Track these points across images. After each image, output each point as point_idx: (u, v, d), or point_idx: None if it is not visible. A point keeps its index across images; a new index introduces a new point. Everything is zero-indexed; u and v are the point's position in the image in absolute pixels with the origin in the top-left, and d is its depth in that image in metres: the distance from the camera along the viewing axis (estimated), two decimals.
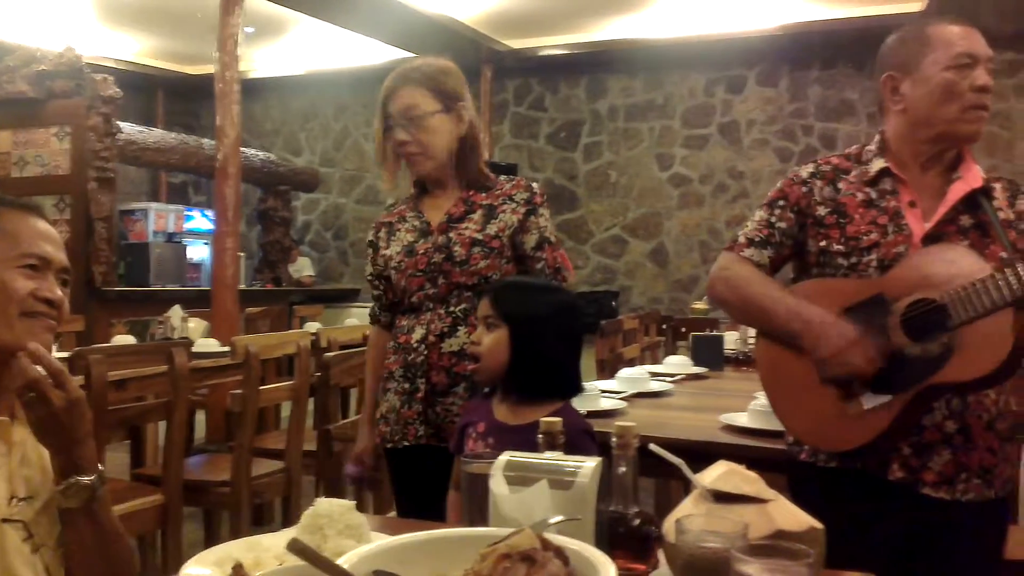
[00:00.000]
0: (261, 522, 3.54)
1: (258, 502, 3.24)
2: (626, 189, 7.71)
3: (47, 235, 1.26)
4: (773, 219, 1.69)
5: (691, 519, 0.94)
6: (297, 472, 3.07)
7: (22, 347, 1.18)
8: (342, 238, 8.74)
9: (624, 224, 7.72)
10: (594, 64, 7.60)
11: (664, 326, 5.01)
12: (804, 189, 1.67)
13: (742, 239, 1.71)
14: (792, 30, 6.69)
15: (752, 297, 1.65)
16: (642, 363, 3.76)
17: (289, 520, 3.14)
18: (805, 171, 1.71)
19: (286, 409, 3.53)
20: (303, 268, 8.10)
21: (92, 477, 1.19)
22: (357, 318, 6.40)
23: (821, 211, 1.64)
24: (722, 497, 1.03)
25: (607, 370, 3.53)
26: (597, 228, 7.77)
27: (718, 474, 1.03)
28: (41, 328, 1.22)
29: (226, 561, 1.11)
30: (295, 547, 0.78)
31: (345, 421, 2.76)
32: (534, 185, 1.97)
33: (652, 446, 1.12)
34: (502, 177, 1.98)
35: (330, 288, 8.28)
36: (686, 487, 3.54)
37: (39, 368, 1.13)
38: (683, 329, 4.56)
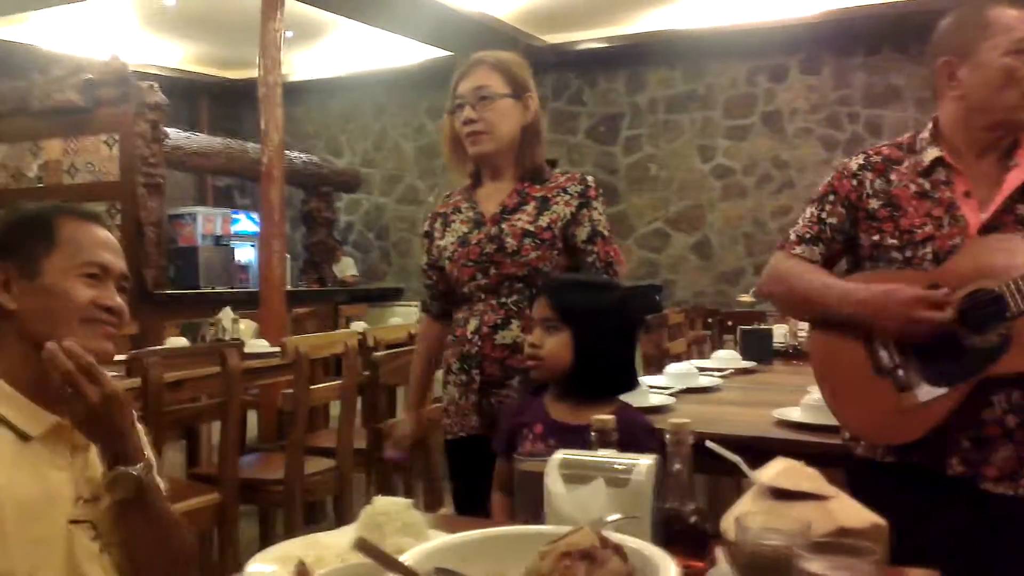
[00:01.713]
0: (313, 520, 3.59)
1: (310, 500, 3.28)
2: (667, 182, 7.66)
3: (107, 243, 1.29)
4: (823, 215, 1.66)
5: (751, 516, 0.94)
6: (348, 470, 3.10)
7: (88, 352, 1.21)
8: (384, 238, 8.81)
9: (666, 217, 7.67)
10: (633, 56, 7.55)
11: (710, 320, 4.96)
12: (854, 182, 1.65)
13: (793, 237, 1.69)
14: (834, 16, 6.56)
15: (802, 287, 1.63)
16: (688, 358, 3.73)
17: (341, 517, 3.18)
18: (854, 163, 1.68)
19: (334, 408, 3.57)
20: (347, 268, 8.19)
21: (138, 467, 1.21)
22: (401, 317, 6.45)
23: (873, 204, 1.61)
24: (781, 494, 1.02)
25: (653, 365, 3.51)
26: (639, 222, 7.73)
27: (777, 471, 1.03)
28: (101, 335, 1.25)
29: (288, 559, 1.13)
30: (362, 545, 0.79)
31: (397, 420, 2.78)
32: (589, 179, 1.98)
33: (709, 443, 1.11)
34: (556, 171, 2.00)
35: (373, 287, 8.36)
36: (738, 484, 3.49)
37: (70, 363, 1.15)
38: (729, 323, 4.52)
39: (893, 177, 1.62)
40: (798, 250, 1.66)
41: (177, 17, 6.85)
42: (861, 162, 1.67)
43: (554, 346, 1.53)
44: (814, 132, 7.18)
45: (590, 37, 7.41)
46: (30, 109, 5.78)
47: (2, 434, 1.18)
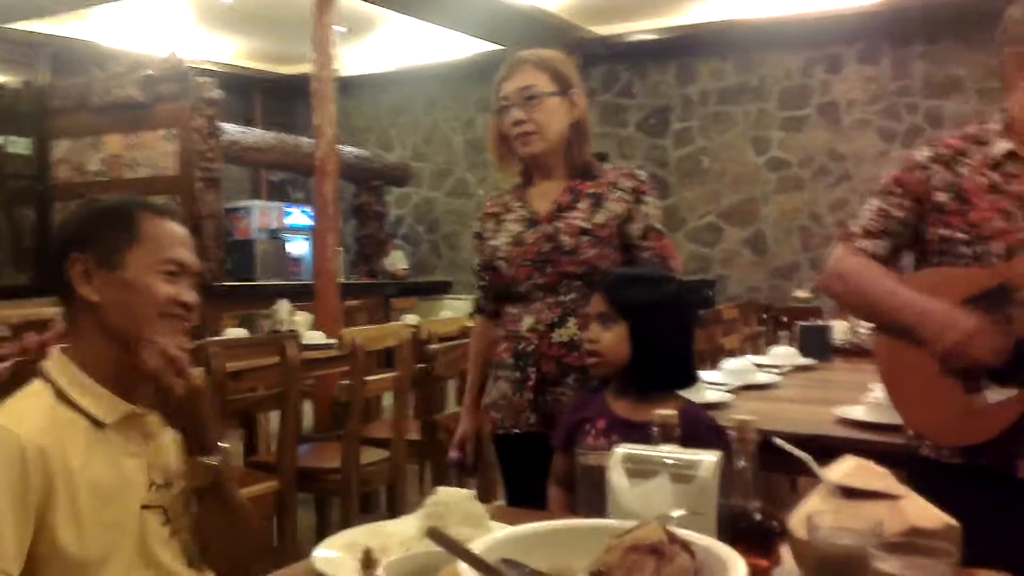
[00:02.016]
0: (367, 508, 3.64)
1: (365, 490, 3.33)
2: (719, 175, 7.56)
3: (183, 240, 1.32)
4: (888, 207, 1.63)
5: (822, 515, 0.93)
6: (402, 460, 3.14)
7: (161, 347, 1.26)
8: (434, 231, 8.86)
9: (718, 211, 7.57)
10: (683, 48, 7.46)
11: (764, 316, 4.89)
12: (921, 175, 1.61)
13: (857, 229, 1.65)
14: (892, 5, 6.40)
15: (865, 289, 1.60)
16: (742, 354, 3.68)
17: (395, 507, 3.22)
18: (921, 155, 1.64)
19: (386, 399, 3.61)
20: (397, 261, 8.26)
21: (217, 457, 1.26)
22: (451, 310, 6.48)
23: (941, 197, 1.58)
24: (851, 493, 1.01)
25: (707, 361, 3.48)
26: (690, 216, 7.64)
27: (847, 469, 1.01)
28: (178, 329, 1.29)
29: (354, 546, 1.16)
30: (434, 534, 0.81)
31: (450, 412, 2.81)
32: (641, 173, 1.96)
33: (777, 440, 1.10)
34: (608, 166, 1.99)
35: (423, 280, 8.42)
36: (793, 482, 3.44)
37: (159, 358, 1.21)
38: (784, 319, 4.45)
39: (962, 170, 1.58)
40: (862, 243, 1.63)
41: (232, 13, 6.96)
42: (929, 154, 1.63)
43: (611, 340, 1.53)
44: (872, 124, 7.01)
45: (640, 28, 7.34)
46: (91, 105, 5.94)
47: (78, 421, 1.23)
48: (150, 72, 5.71)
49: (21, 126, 6.28)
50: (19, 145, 6.32)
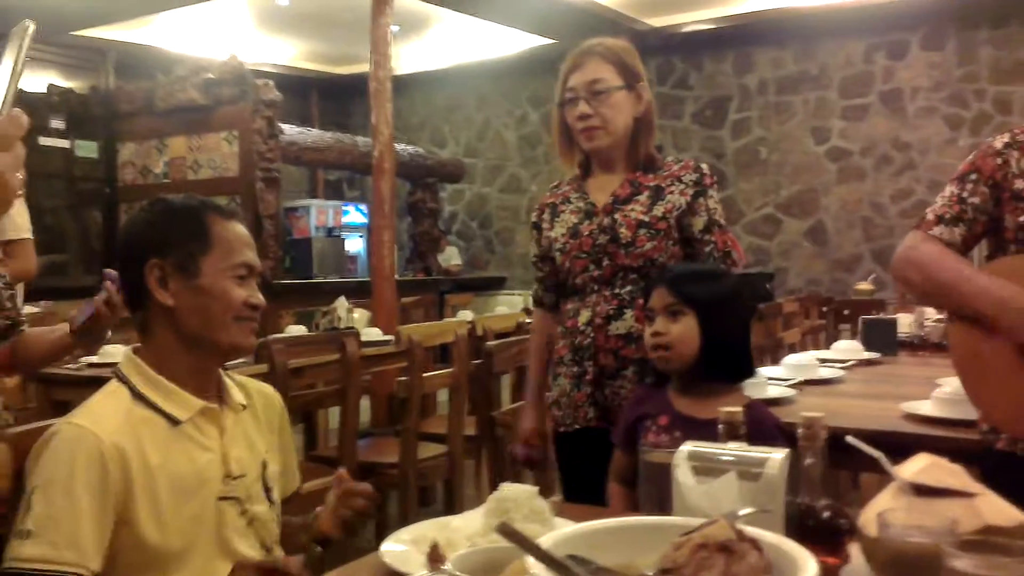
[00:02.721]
0: (424, 503, 3.67)
1: (422, 484, 3.36)
2: (778, 166, 7.43)
3: (249, 242, 1.35)
4: (964, 194, 1.58)
5: (893, 513, 0.91)
6: (459, 456, 3.16)
7: (236, 347, 1.32)
8: (487, 227, 8.90)
9: (777, 202, 7.44)
10: (741, 37, 7.34)
11: (824, 309, 4.79)
12: (999, 161, 1.56)
13: (931, 216, 1.61)
14: None
15: (939, 277, 1.56)
16: (803, 348, 3.62)
17: (452, 502, 3.24)
18: (999, 142, 1.59)
19: (441, 395, 3.63)
20: (451, 257, 8.32)
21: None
22: (506, 306, 6.50)
23: (1019, 184, 1.53)
24: (923, 491, 0.98)
25: (767, 356, 3.43)
26: (747, 207, 7.53)
27: (920, 467, 0.99)
28: (249, 330, 1.33)
29: (421, 540, 1.17)
30: (504, 530, 0.81)
31: (508, 408, 2.82)
32: (703, 167, 1.94)
33: (849, 438, 1.08)
34: (669, 159, 1.97)
35: (477, 276, 8.46)
36: (854, 478, 3.34)
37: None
38: (846, 312, 4.36)
39: None
40: (936, 231, 1.59)
41: (290, 16, 7.09)
42: (1007, 140, 1.58)
43: (681, 332, 1.51)
44: (938, 111, 6.82)
45: (696, 19, 7.25)
46: (155, 109, 6.10)
47: (155, 420, 1.27)
48: (211, 75, 5.84)
49: (89, 130, 6.50)
50: (87, 149, 6.53)
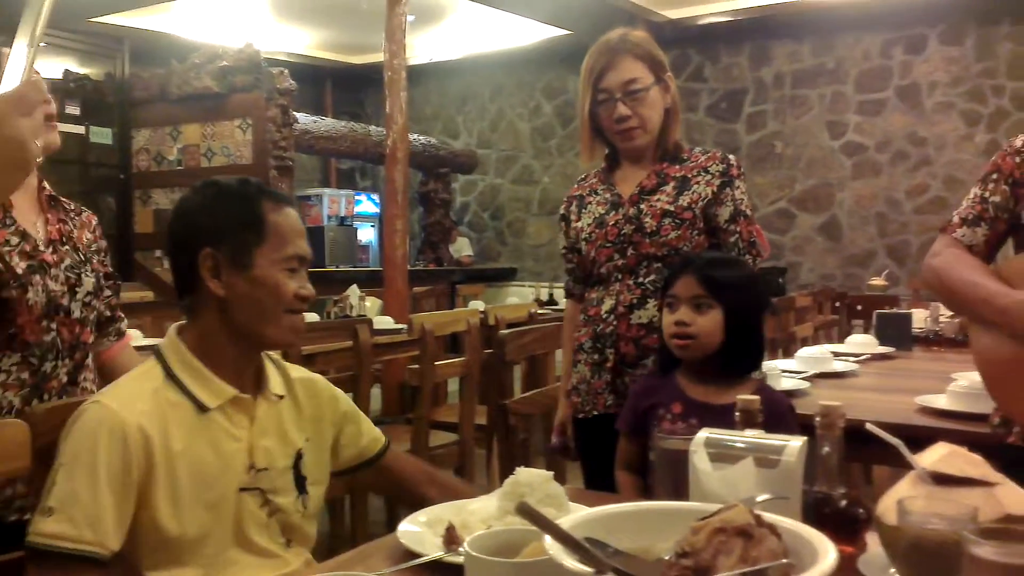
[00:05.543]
0: None
1: None
2: (793, 160, 7.39)
3: (301, 231, 1.33)
4: (986, 194, 1.60)
5: (913, 501, 0.90)
6: (470, 444, 3.17)
7: (281, 342, 1.32)
8: (499, 218, 8.89)
9: (791, 197, 7.41)
10: (757, 30, 7.30)
11: (837, 304, 4.78)
12: (1018, 159, 1.57)
13: (955, 219, 1.64)
14: None
15: (953, 284, 1.58)
16: (815, 342, 3.60)
17: None
18: (1020, 140, 1.60)
19: (451, 384, 3.63)
20: (462, 248, 8.32)
21: None
22: (517, 296, 6.52)
23: None
24: (942, 480, 0.98)
25: (779, 349, 3.42)
26: (761, 202, 7.50)
27: (940, 456, 0.98)
28: (299, 321, 1.32)
29: (437, 522, 1.18)
30: (524, 510, 0.81)
31: (520, 397, 2.82)
32: (731, 157, 1.94)
33: (869, 426, 1.08)
34: (696, 149, 1.96)
35: (488, 267, 8.46)
36: (867, 473, 3.33)
37: None
38: (859, 307, 4.34)
39: None
40: (959, 233, 1.61)
41: (305, 4, 7.08)
42: None
43: (707, 324, 1.51)
44: (955, 107, 6.76)
45: (712, 11, 7.20)
46: (169, 96, 6.11)
47: (184, 404, 1.25)
48: (226, 63, 5.84)
49: (104, 117, 6.51)
50: (101, 135, 6.55)
